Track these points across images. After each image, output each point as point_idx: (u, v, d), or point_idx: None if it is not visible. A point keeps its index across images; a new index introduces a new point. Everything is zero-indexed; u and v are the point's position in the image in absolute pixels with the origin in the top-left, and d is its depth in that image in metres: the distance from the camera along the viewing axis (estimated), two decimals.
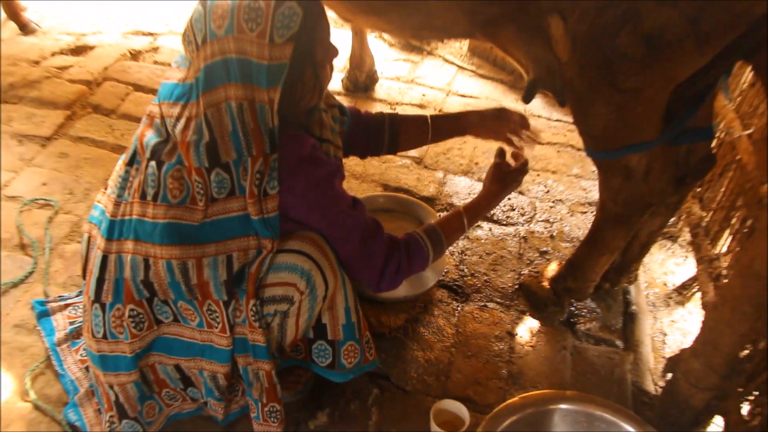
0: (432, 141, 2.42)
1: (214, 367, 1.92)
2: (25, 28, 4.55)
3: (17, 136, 3.45)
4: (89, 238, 1.96)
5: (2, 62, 4.11)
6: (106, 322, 1.84)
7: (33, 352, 2.38)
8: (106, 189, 1.98)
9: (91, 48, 4.38)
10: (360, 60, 3.94)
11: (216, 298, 1.79)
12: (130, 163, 1.87)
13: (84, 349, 2.22)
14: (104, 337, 1.86)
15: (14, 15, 4.53)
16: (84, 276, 1.98)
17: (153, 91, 3.88)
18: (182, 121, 1.70)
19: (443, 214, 3.06)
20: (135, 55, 4.35)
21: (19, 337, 2.43)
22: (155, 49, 4.44)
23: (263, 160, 1.69)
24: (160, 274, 1.77)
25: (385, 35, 4.62)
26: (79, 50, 4.37)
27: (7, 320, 2.49)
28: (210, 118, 1.67)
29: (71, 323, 2.43)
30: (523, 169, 2.23)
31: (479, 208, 2.18)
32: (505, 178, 2.19)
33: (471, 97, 3.98)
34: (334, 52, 1.87)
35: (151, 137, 1.80)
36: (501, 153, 2.24)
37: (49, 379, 2.29)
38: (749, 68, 2.34)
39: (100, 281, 1.84)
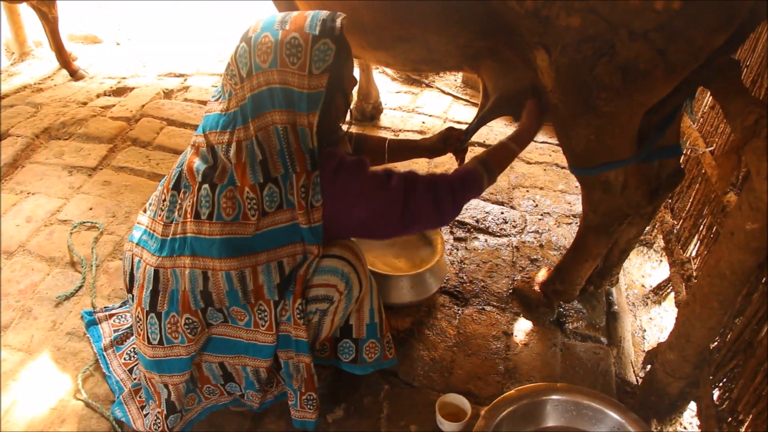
0: (388, 161, 2.43)
1: (257, 362, 1.92)
2: (74, 75, 4.61)
3: (68, 167, 3.48)
4: (132, 256, 1.96)
5: (55, 104, 4.15)
6: (162, 329, 1.84)
7: (83, 357, 2.39)
8: (145, 211, 1.99)
9: (131, 89, 4.42)
10: (367, 92, 3.96)
11: (268, 298, 1.80)
12: (175, 187, 1.88)
13: (128, 354, 2.24)
14: (160, 342, 1.86)
15: (66, 63, 4.60)
16: (129, 290, 1.98)
17: (184, 125, 3.92)
18: (233, 145, 1.73)
19: (443, 227, 3.07)
20: (168, 94, 4.39)
21: (71, 343, 2.44)
22: (186, 89, 4.47)
23: (306, 176, 1.72)
24: (219, 284, 1.78)
25: (388, 70, 4.65)
26: (120, 91, 4.41)
27: (61, 328, 2.51)
28: (261, 139, 1.71)
29: (115, 331, 2.44)
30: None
31: (523, 139, 2.14)
32: (539, 113, 2.17)
33: (466, 123, 3.95)
34: (355, 81, 1.91)
35: (199, 164, 1.81)
36: (534, 91, 2.19)
37: (98, 380, 2.30)
38: (709, 93, 2.34)
39: (155, 293, 1.84)
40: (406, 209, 1.84)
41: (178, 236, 1.82)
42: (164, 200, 1.90)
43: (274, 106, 1.69)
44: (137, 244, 1.95)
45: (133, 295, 1.94)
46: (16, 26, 4.92)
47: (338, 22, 1.69)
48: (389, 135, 3.85)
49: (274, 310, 1.82)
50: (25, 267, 2.79)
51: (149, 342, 1.87)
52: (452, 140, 2.39)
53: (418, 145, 2.48)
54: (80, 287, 2.69)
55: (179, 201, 1.85)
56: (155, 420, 2.01)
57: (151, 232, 1.92)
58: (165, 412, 1.98)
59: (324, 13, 1.71)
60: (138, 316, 1.89)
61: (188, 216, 1.80)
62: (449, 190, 1.90)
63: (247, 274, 1.77)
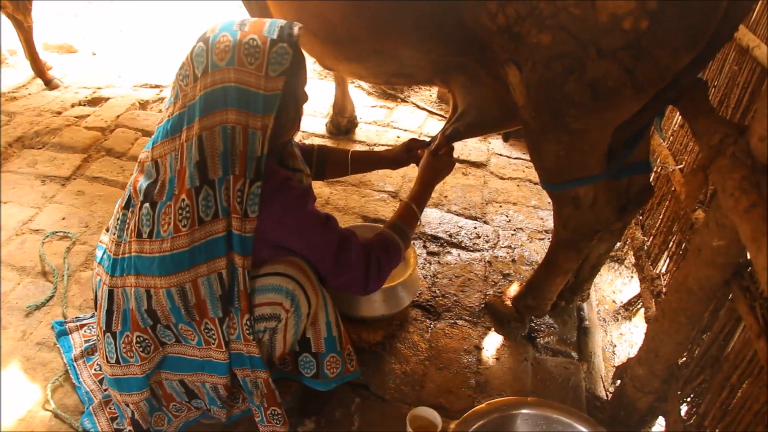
0: (352, 173, 2.47)
1: (215, 379, 1.90)
2: (49, 84, 4.57)
3: (41, 176, 3.44)
4: (96, 274, 1.96)
5: (29, 113, 4.11)
6: (118, 348, 1.84)
7: (53, 367, 2.35)
8: (107, 230, 1.99)
9: (106, 99, 4.39)
10: (342, 106, 3.97)
11: (212, 316, 1.77)
12: (126, 206, 1.87)
13: (98, 364, 2.22)
14: (117, 362, 1.86)
15: (40, 72, 4.56)
16: (95, 307, 1.97)
17: None
18: (177, 151, 1.72)
19: (416, 241, 3.07)
20: (143, 105, 4.36)
21: (41, 354, 2.40)
22: (161, 99, 4.46)
23: (244, 182, 1.68)
24: (162, 301, 1.76)
25: (364, 84, 4.66)
26: (95, 101, 4.38)
27: (31, 338, 2.46)
28: (204, 139, 1.66)
29: (86, 341, 2.41)
30: (450, 153, 2.29)
31: (423, 196, 2.20)
32: (437, 163, 2.24)
33: None
34: (306, 96, 1.89)
35: (143, 182, 1.80)
36: (434, 149, 2.27)
37: (67, 391, 2.26)
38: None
39: (110, 313, 1.84)
40: (336, 261, 1.87)
41: (126, 255, 1.82)
42: (117, 219, 1.89)
43: (227, 104, 1.65)
44: (99, 263, 1.96)
45: (95, 314, 1.95)
46: None
47: (296, 30, 1.70)
48: (364, 149, 3.85)
49: (220, 328, 1.79)
50: None
51: (107, 361, 1.87)
52: (415, 151, 2.41)
53: (381, 156, 2.50)
54: (51, 297, 2.65)
55: (128, 220, 1.85)
56: None
57: (108, 251, 1.91)
58: (133, 430, 1.98)
59: (282, 21, 1.72)
60: (98, 335, 1.90)
61: (132, 235, 1.80)
62: (378, 262, 1.95)
63: (188, 289, 1.74)
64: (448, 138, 2.31)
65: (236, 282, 1.76)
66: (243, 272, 1.75)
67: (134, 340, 1.81)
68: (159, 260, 1.73)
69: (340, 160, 2.41)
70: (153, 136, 1.84)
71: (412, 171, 3.63)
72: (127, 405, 1.93)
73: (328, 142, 3.85)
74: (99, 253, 1.98)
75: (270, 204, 1.74)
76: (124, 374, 1.87)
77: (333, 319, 1.98)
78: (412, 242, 2.81)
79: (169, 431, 2.06)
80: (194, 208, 1.68)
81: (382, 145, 3.92)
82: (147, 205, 1.76)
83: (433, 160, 2.23)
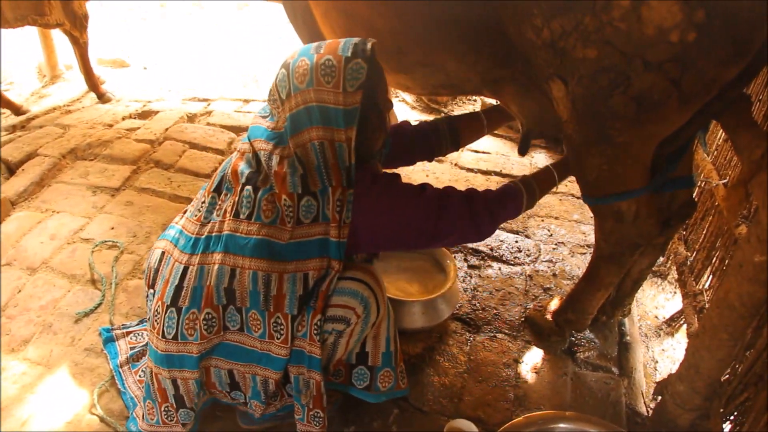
0: (488, 131, 2.57)
1: (268, 373, 1.92)
2: (102, 97, 4.71)
3: (92, 187, 3.53)
4: (162, 252, 2.00)
5: (82, 126, 4.22)
6: (180, 323, 1.86)
7: (100, 372, 2.41)
8: (183, 213, 2.06)
9: (155, 113, 4.49)
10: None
11: (287, 312, 1.82)
12: (216, 190, 1.94)
13: (143, 371, 2.24)
14: (174, 338, 1.87)
15: (94, 86, 4.70)
16: (152, 285, 2.01)
17: (206, 149, 3.98)
18: (275, 157, 1.80)
19: (457, 254, 3.07)
20: (191, 118, 4.45)
21: (88, 359, 2.46)
22: (209, 113, 4.53)
23: (341, 191, 1.77)
24: (245, 282, 1.81)
25: (407, 98, 4.68)
26: (145, 114, 4.49)
27: (79, 344, 2.53)
28: (300, 155, 1.76)
29: (132, 348, 2.45)
30: None
31: (566, 166, 2.23)
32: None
33: (483, 152, 4.00)
34: (390, 103, 1.97)
35: (244, 167, 1.87)
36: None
37: (113, 396, 2.31)
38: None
39: (179, 288, 1.87)
40: (440, 219, 1.88)
41: (213, 234, 1.87)
42: (203, 202, 1.96)
43: (312, 123, 1.75)
44: (170, 241, 2.00)
45: (154, 291, 1.98)
46: (48, 50, 5.04)
47: (369, 45, 1.76)
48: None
49: (290, 325, 1.83)
50: (47, 283, 2.83)
51: (164, 335, 1.88)
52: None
53: (497, 108, 2.55)
54: (99, 304, 2.71)
55: (219, 203, 1.92)
56: (165, 414, 2.02)
57: (185, 231, 1.97)
58: (175, 405, 1.99)
59: (355, 39, 1.78)
60: (157, 310, 1.91)
61: (227, 215, 1.86)
62: (485, 204, 1.96)
63: (273, 279, 1.80)
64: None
65: (322, 282, 1.83)
66: (334, 275, 1.83)
67: (201, 318, 1.84)
68: (255, 242, 1.79)
69: (472, 124, 2.52)
70: (249, 132, 1.93)
71: (454, 185, 3.61)
72: (174, 381, 1.94)
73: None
74: (171, 233, 2.02)
75: (366, 200, 1.82)
76: (179, 351, 1.89)
77: (392, 334, 2.03)
78: (453, 255, 2.81)
79: (202, 401, 2.08)
80: (296, 209, 1.78)
81: None
82: (249, 188, 1.83)
83: None
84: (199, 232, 1.91)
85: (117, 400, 2.30)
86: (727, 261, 2.43)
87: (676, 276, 3.01)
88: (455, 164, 3.86)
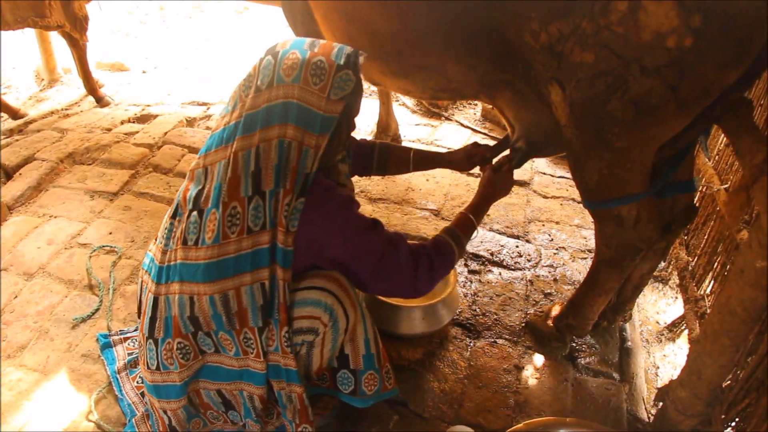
0: (413, 170, 2.55)
1: (252, 388, 1.91)
2: (101, 101, 4.72)
3: (90, 192, 3.53)
4: (142, 282, 2.02)
5: (80, 130, 4.23)
6: (159, 354, 1.87)
7: (97, 379, 2.41)
8: (156, 240, 2.03)
9: (154, 117, 4.50)
10: (386, 125, 4.00)
11: (252, 325, 1.79)
12: (174, 215, 1.93)
13: (141, 377, 2.24)
14: (157, 368, 1.89)
15: (92, 90, 4.71)
16: (139, 315, 2.02)
17: None
18: (230, 158, 1.76)
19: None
20: (190, 122, 4.46)
21: (86, 365, 2.46)
22: (208, 117, 4.55)
23: (292, 196, 1.73)
24: (204, 308, 1.79)
25: (408, 102, 4.69)
26: (143, 119, 4.50)
27: (76, 350, 2.53)
28: (261, 150, 1.73)
29: (129, 354, 2.46)
30: (511, 171, 2.32)
31: (481, 208, 2.23)
32: (498, 180, 2.27)
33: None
34: (354, 125, 1.99)
35: (192, 190, 1.86)
36: (496, 165, 2.32)
37: (110, 403, 2.31)
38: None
39: (153, 320, 1.88)
40: (381, 265, 1.85)
41: (171, 263, 1.86)
42: (165, 228, 1.94)
43: (288, 120, 1.72)
44: (146, 270, 2.00)
45: (139, 321, 2.00)
46: (46, 53, 5.05)
47: (361, 59, 1.77)
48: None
49: (259, 338, 1.81)
50: (44, 288, 2.83)
51: (148, 367, 1.91)
52: (477, 158, 2.48)
53: (442, 158, 2.56)
54: (97, 310, 2.71)
55: (174, 229, 1.91)
56: None
57: (155, 259, 1.95)
58: None
59: (349, 48, 1.78)
60: (140, 341, 1.94)
61: (178, 243, 1.85)
62: (429, 265, 1.94)
63: (231, 297, 1.77)
64: (509, 158, 2.33)
65: (276, 294, 1.79)
66: (283, 285, 1.78)
67: (175, 347, 1.85)
68: (204, 267, 1.77)
69: (402, 157, 2.49)
70: (206, 144, 1.90)
71: (454, 189, 3.64)
72: (165, 412, 1.96)
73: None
74: (146, 261, 2.02)
75: (313, 212, 1.77)
76: (164, 381, 1.90)
77: (372, 336, 1.99)
78: (456, 273, 2.81)
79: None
80: (245, 216, 1.74)
81: None
82: (195, 213, 1.81)
83: (494, 176, 2.27)
84: (162, 260, 1.90)
85: (114, 406, 2.30)
86: (728, 266, 2.43)
87: (678, 281, 3.01)
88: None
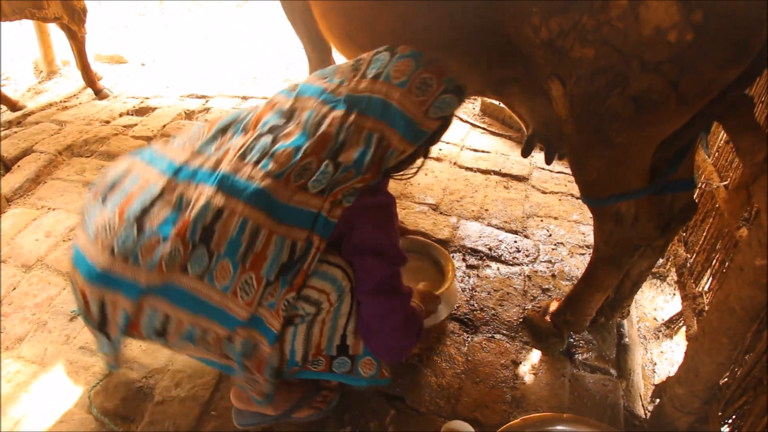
0: None
1: (216, 327, 1.72)
2: (99, 93, 4.71)
3: (88, 184, 3.53)
4: (128, 170, 1.81)
5: (79, 122, 4.22)
6: (138, 242, 1.60)
7: (95, 371, 2.40)
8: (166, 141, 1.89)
9: (153, 109, 4.49)
10: None
11: (262, 274, 1.67)
12: (223, 130, 1.84)
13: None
14: (125, 258, 1.60)
15: (91, 82, 4.69)
16: (102, 200, 1.76)
17: None
18: (328, 120, 1.74)
19: (456, 254, 3.06)
20: (189, 115, 4.44)
21: (84, 358, 2.45)
22: (207, 110, 4.53)
23: (363, 184, 1.75)
24: (230, 226, 1.63)
25: None
26: (142, 111, 4.48)
27: (74, 342, 2.52)
28: (351, 131, 1.72)
29: None
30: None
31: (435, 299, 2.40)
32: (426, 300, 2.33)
33: (482, 151, 3.99)
34: (431, 149, 1.98)
35: (271, 118, 1.81)
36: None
37: (108, 395, 2.30)
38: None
39: (148, 207, 1.65)
40: (383, 284, 1.84)
41: (205, 167, 1.71)
42: (203, 134, 1.84)
43: (384, 119, 1.73)
44: (141, 161, 1.82)
45: (105, 201, 1.74)
46: (45, 45, 5.04)
47: (465, 91, 1.82)
48: None
49: (262, 290, 1.69)
50: (42, 281, 2.82)
51: (112, 252, 1.62)
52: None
53: None
54: None
55: (222, 139, 1.81)
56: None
57: (166, 155, 1.79)
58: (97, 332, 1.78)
59: (460, 78, 1.82)
60: (110, 223, 1.64)
61: (231, 153, 1.72)
62: (414, 327, 1.97)
63: (262, 235, 1.65)
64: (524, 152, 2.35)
65: (304, 260, 1.73)
66: (315, 253, 1.74)
67: (168, 249, 1.60)
68: (255, 190, 1.64)
69: None
70: (299, 89, 1.86)
71: (453, 184, 3.63)
72: (103, 304, 1.66)
73: None
74: (143, 154, 1.85)
75: (367, 198, 1.79)
76: (124, 274, 1.61)
77: None
78: (451, 255, 2.80)
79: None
80: (312, 174, 1.70)
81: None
82: (268, 139, 1.74)
83: (424, 296, 2.37)
84: (188, 160, 1.74)
85: (112, 398, 2.29)
86: (727, 264, 2.43)
87: (676, 278, 3.01)
88: (454, 163, 3.86)
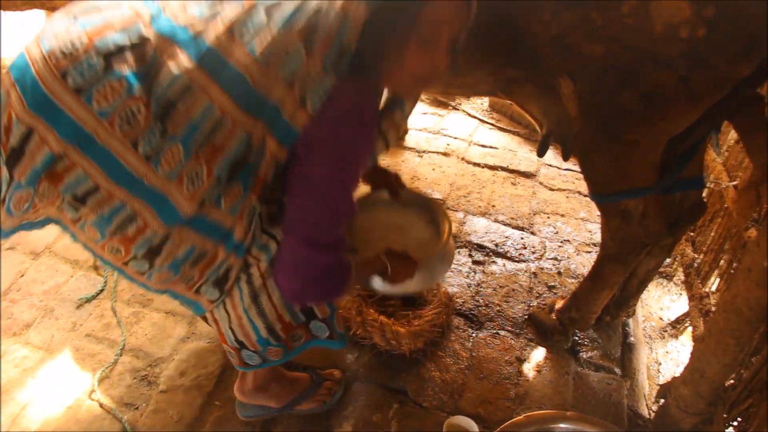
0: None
1: (147, 214, 1.44)
2: None
3: None
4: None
5: None
6: (99, 81, 1.32)
7: (101, 359, 2.40)
8: None
9: None
10: None
11: (214, 170, 1.41)
12: None
13: None
14: (78, 89, 1.32)
15: None
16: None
17: None
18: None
19: (462, 250, 3.04)
20: None
21: (90, 345, 2.45)
22: None
23: (316, 67, 1.39)
24: (196, 107, 1.37)
25: None
26: None
27: (81, 329, 2.52)
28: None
29: None
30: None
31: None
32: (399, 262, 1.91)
33: (490, 147, 3.96)
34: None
35: None
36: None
37: (113, 382, 2.31)
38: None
39: (120, 49, 1.34)
40: (310, 241, 1.53)
41: (190, 30, 1.37)
42: None
43: None
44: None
45: (75, 18, 1.41)
46: None
47: None
48: (413, 156, 3.82)
49: (209, 188, 1.44)
50: (50, 268, 2.82)
51: (65, 77, 1.34)
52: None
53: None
54: (101, 291, 2.70)
55: (218, 3, 1.40)
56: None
57: (163, 9, 1.42)
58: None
59: None
60: (76, 42, 1.34)
61: (222, 24, 1.36)
62: (328, 285, 1.62)
63: (224, 126, 1.39)
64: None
65: (259, 164, 1.48)
66: (271, 160, 1.48)
67: (129, 108, 1.33)
68: (237, 74, 1.36)
69: None
70: None
71: (460, 179, 3.60)
72: (30, 134, 1.37)
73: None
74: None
75: (333, 108, 1.44)
76: (69, 109, 1.34)
77: None
78: (457, 250, 2.77)
79: None
80: (289, 60, 1.38)
81: (432, 152, 3.88)
82: (265, 10, 1.37)
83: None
84: (173, 13, 1.40)
85: (117, 386, 2.29)
86: (735, 264, 2.40)
87: (683, 277, 2.98)
88: (462, 158, 3.83)
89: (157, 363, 2.39)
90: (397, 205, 2.30)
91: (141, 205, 1.43)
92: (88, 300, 2.65)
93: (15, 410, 2.20)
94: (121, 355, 2.41)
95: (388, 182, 2.25)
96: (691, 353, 1.95)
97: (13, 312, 2.58)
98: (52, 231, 2.99)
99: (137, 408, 2.24)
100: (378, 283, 2.01)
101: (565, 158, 2.22)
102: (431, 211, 2.35)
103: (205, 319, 1.89)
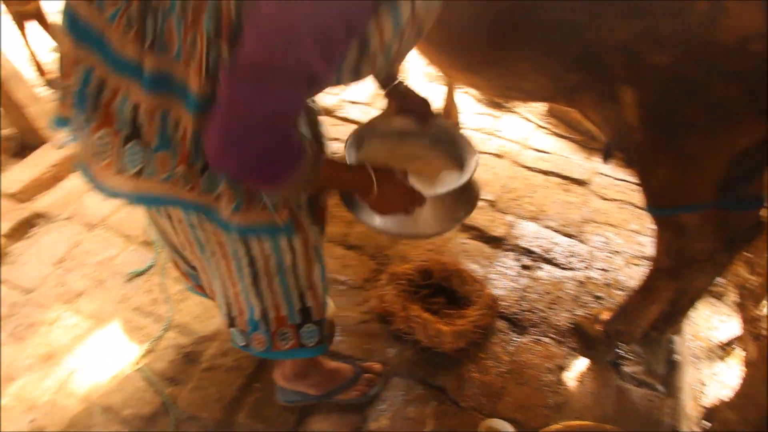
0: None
1: (136, 91, 1.29)
2: None
3: None
4: None
5: None
6: None
7: (147, 332, 2.46)
8: None
9: None
10: (447, 111, 3.93)
11: (203, 27, 1.18)
12: None
13: None
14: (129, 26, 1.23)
15: None
16: None
17: None
18: None
19: (509, 253, 3.01)
20: None
21: (137, 318, 2.51)
22: None
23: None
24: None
25: (473, 91, 4.61)
26: None
27: (129, 303, 2.58)
28: None
29: None
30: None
31: (357, 185, 1.54)
32: (403, 195, 1.60)
33: (545, 152, 3.90)
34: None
35: None
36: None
37: (158, 356, 2.36)
38: None
39: None
40: (254, 77, 1.15)
41: None
42: None
43: None
44: None
45: None
46: None
47: None
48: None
49: (207, 49, 1.21)
50: (104, 241, 2.89)
51: None
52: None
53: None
54: (151, 266, 2.75)
55: None
56: None
57: None
58: None
59: None
60: None
61: None
62: (264, 143, 1.22)
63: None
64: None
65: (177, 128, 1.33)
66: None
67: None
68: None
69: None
70: None
71: (511, 182, 3.57)
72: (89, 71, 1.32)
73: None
74: None
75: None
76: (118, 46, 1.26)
77: (325, 282, 1.80)
78: (504, 253, 2.74)
79: None
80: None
81: (484, 153, 3.85)
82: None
83: (406, 189, 1.60)
84: None
85: (161, 360, 2.34)
86: None
87: (734, 298, 2.90)
88: (515, 161, 3.78)
89: (201, 341, 2.43)
90: (422, 135, 2.06)
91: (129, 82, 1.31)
92: (139, 274, 2.71)
93: (63, 375, 2.26)
94: (167, 331, 2.45)
95: (417, 107, 2.01)
96: (742, 377, 1.90)
97: (67, 280, 2.66)
98: (107, 204, 3.07)
99: (179, 383, 2.27)
100: (378, 220, 1.74)
101: (629, 165, 2.17)
102: (460, 147, 2.03)
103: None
